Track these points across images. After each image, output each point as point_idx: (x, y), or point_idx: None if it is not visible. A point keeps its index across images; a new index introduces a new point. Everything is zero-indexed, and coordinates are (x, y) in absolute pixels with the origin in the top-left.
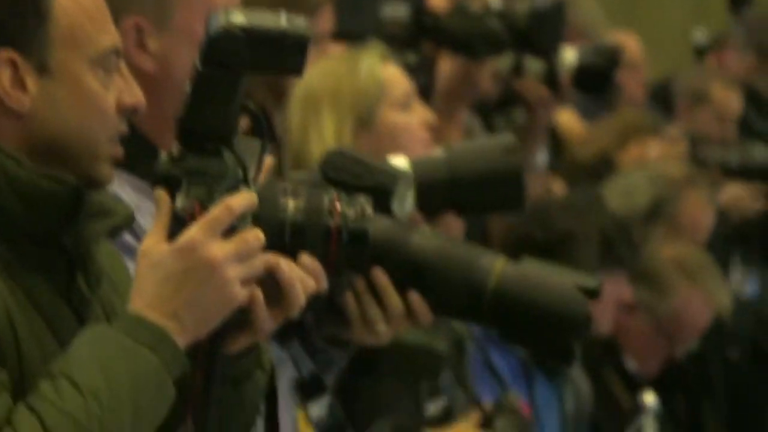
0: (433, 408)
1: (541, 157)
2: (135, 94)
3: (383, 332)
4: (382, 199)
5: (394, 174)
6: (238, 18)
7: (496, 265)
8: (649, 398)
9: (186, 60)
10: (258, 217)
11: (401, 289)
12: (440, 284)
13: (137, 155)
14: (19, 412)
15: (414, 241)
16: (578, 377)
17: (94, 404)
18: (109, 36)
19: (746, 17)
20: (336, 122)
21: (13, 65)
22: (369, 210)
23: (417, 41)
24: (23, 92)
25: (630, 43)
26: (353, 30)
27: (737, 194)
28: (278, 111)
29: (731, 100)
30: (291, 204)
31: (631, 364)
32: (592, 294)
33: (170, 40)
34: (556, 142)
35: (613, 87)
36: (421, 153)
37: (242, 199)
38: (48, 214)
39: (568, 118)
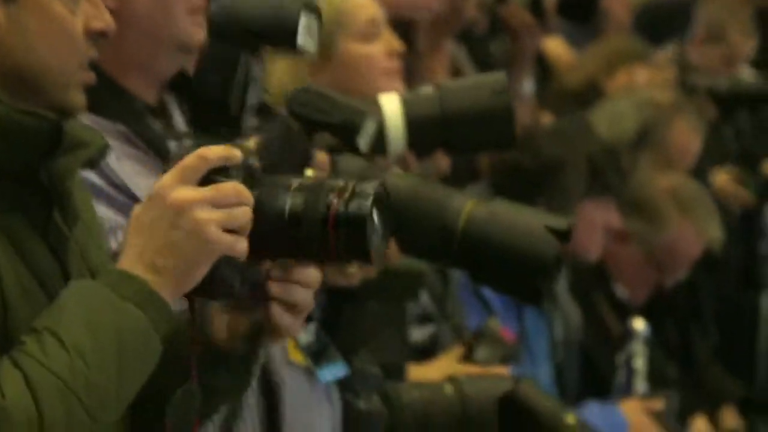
0: (419, 335)
1: (528, 85)
2: (104, 19)
3: (354, 273)
4: (349, 135)
5: (361, 110)
6: None
7: (466, 207)
8: (639, 324)
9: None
10: (258, 207)
11: None
12: (412, 225)
13: (102, 96)
14: (3, 368)
15: (386, 182)
16: (567, 304)
17: (80, 362)
18: None
19: None
20: (290, 63)
21: None
22: (370, 191)
23: None
24: None
25: None
26: None
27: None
28: None
29: (745, 46)
30: (291, 195)
31: (621, 291)
32: (563, 236)
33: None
34: (544, 70)
35: (598, 13)
36: (386, 84)
37: (218, 150)
38: (27, 150)
39: (555, 46)
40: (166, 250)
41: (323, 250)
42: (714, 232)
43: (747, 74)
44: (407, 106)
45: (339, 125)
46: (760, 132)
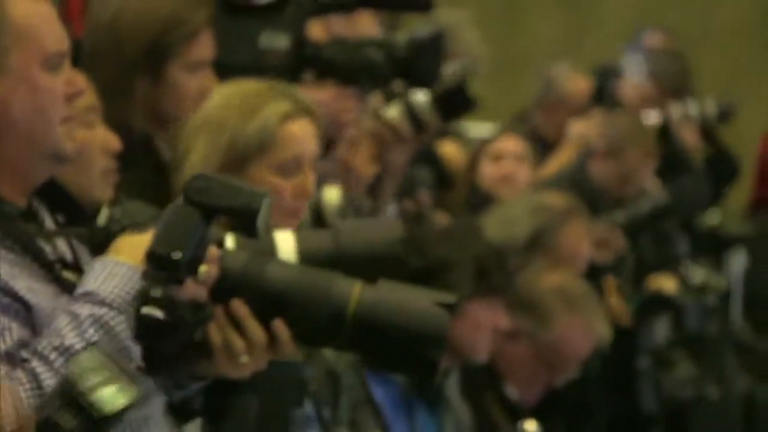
0: None
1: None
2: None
3: (245, 364)
4: (248, 219)
5: (259, 193)
6: None
7: (354, 290)
8: (531, 426)
9: (25, 105)
10: None
11: (263, 320)
12: (300, 313)
13: None
14: None
15: (271, 271)
16: (459, 406)
17: None
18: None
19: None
20: (207, 153)
21: None
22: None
23: (298, 72)
24: None
25: None
26: (231, 61)
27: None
28: (162, 137)
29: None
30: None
31: (512, 391)
32: (450, 309)
33: (8, 86)
34: (442, 174)
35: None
36: (286, 223)
37: None
38: None
39: (450, 149)
40: None
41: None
42: (601, 329)
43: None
44: (301, 241)
45: (238, 209)
46: (657, 244)
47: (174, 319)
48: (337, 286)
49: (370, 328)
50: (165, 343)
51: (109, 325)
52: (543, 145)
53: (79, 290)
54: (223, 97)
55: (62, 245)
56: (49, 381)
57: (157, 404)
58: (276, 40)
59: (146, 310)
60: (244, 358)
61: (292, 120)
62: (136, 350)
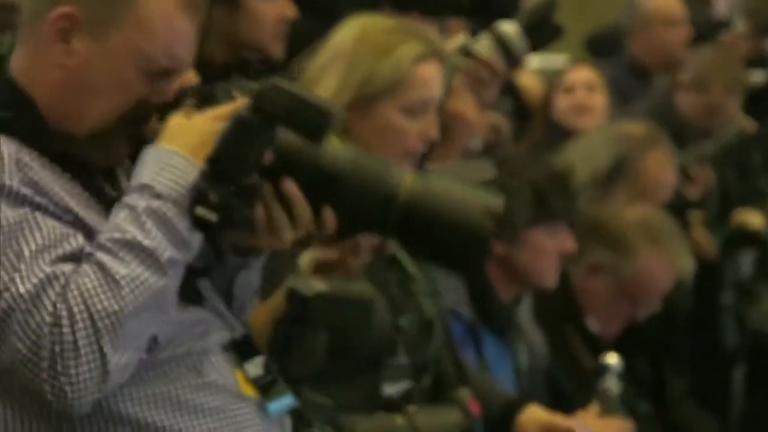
0: (392, 390)
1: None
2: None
3: (288, 238)
4: (314, 136)
5: (327, 111)
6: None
7: (405, 179)
8: (613, 359)
9: (97, 76)
10: None
11: (312, 199)
12: (351, 195)
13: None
14: None
15: (325, 152)
16: (532, 331)
17: None
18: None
19: None
20: (338, 88)
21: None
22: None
23: (376, 3)
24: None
25: None
26: None
27: None
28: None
29: (730, 103)
30: None
31: (593, 324)
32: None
33: (95, 50)
34: (521, 106)
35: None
36: (400, 163)
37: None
38: None
39: (527, 80)
40: None
41: None
42: (685, 263)
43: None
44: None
45: (306, 126)
46: (743, 178)
47: (227, 221)
48: (389, 173)
49: (416, 217)
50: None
51: (167, 217)
52: (646, 74)
53: (134, 182)
54: (357, 32)
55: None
56: (118, 269)
57: (216, 338)
58: None
59: (201, 211)
60: (288, 234)
61: (425, 62)
62: (195, 240)
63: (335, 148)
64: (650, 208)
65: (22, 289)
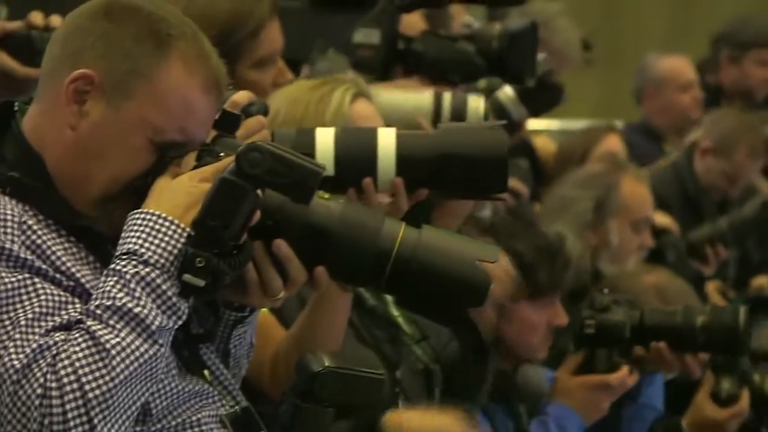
0: None
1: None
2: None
3: (281, 297)
4: (302, 196)
5: (314, 170)
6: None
7: (399, 231)
8: None
9: (104, 143)
10: None
11: (304, 257)
12: (343, 251)
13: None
14: None
15: (314, 207)
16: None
17: None
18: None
19: None
20: None
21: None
22: None
23: (389, 67)
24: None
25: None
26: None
27: None
28: None
29: (751, 169)
30: None
31: None
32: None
33: (112, 119)
34: (538, 167)
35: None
36: None
37: None
38: None
39: (542, 142)
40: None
41: None
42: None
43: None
44: (402, 140)
45: (293, 186)
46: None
47: (215, 286)
48: (383, 226)
49: (411, 271)
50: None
51: (155, 284)
52: (658, 138)
53: (121, 248)
54: (286, 99)
55: None
56: (108, 338)
57: (213, 411)
58: (368, 35)
59: (188, 278)
60: (281, 295)
61: (360, 101)
62: (183, 307)
63: (324, 203)
64: (664, 272)
65: (14, 360)
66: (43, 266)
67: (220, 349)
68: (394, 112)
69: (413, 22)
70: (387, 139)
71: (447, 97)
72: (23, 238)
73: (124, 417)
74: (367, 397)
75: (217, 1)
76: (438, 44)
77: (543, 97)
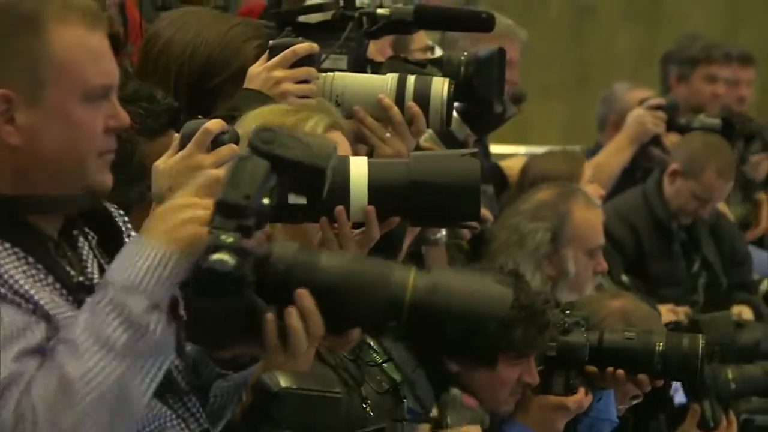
0: None
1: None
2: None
3: (307, 356)
4: (315, 175)
5: (327, 150)
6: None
7: (410, 277)
8: None
9: (56, 138)
10: None
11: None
12: (353, 304)
13: (7, 227)
14: None
15: (323, 262)
16: None
17: None
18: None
19: None
20: None
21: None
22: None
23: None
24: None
25: None
26: None
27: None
28: None
29: (721, 190)
30: None
31: None
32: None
33: (41, 117)
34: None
35: None
36: None
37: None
38: None
39: (514, 163)
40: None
41: None
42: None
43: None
44: (374, 168)
45: (307, 164)
46: None
47: (241, 272)
48: (392, 274)
49: (426, 317)
50: (223, 301)
51: (117, 301)
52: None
53: (102, 279)
54: (260, 122)
55: (94, 268)
56: (74, 368)
57: None
58: (335, 62)
59: (216, 256)
60: (304, 351)
61: (332, 132)
62: (152, 320)
63: (328, 257)
64: (629, 298)
65: None
66: (2, 290)
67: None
68: (357, 93)
69: (380, 47)
70: (359, 168)
71: (411, 79)
72: None
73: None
74: (326, 418)
75: (202, 39)
76: (406, 70)
77: (488, 117)
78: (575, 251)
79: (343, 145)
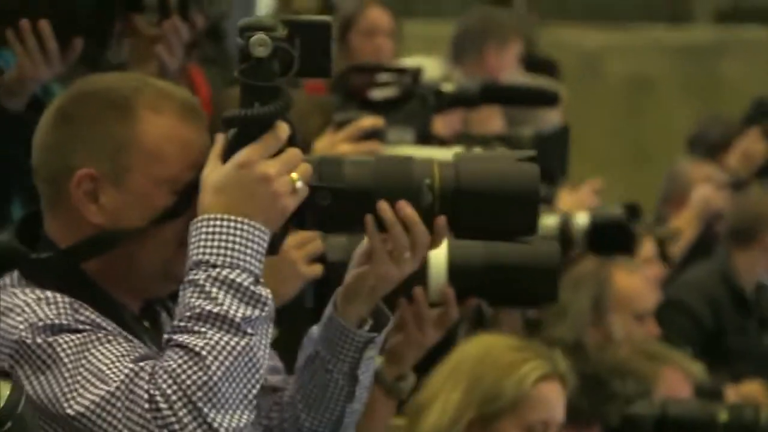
0: None
1: None
2: None
3: (409, 261)
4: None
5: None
6: None
7: (433, 168)
8: None
9: (135, 221)
10: None
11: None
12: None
13: (95, 303)
14: None
15: (343, 166)
16: None
17: None
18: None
19: None
20: (460, 404)
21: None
22: None
23: None
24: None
25: None
26: None
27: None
28: None
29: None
30: None
31: None
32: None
33: (123, 198)
34: None
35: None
36: None
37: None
38: None
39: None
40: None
41: None
42: (696, 368)
43: None
44: (454, 249)
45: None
46: None
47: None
48: (413, 167)
49: (458, 199)
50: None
51: (228, 279)
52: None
53: (190, 261)
54: (481, 350)
55: None
56: (196, 342)
57: None
58: (402, 135)
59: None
60: (407, 256)
61: (547, 381)
62: (265, 293)
63: (358, 158)
64: (639, 336)
65: (113, 388)
66: (103, 324)
67: (346, 376)
68: None
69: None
70: (439, 248)
71: None
72: (76, 315)
73: (241, 407)
74: None
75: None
76: (471, 145)
77: (612, 239)
78: (622, 316)
79: (558, 398)
